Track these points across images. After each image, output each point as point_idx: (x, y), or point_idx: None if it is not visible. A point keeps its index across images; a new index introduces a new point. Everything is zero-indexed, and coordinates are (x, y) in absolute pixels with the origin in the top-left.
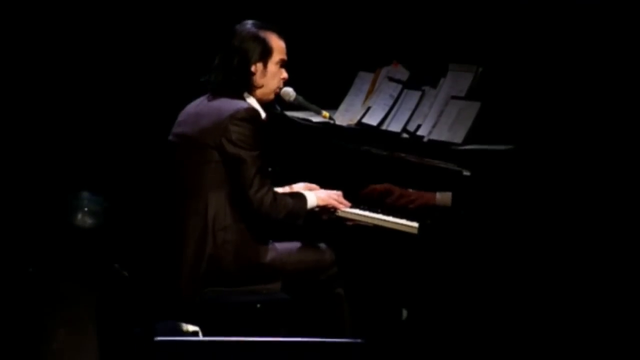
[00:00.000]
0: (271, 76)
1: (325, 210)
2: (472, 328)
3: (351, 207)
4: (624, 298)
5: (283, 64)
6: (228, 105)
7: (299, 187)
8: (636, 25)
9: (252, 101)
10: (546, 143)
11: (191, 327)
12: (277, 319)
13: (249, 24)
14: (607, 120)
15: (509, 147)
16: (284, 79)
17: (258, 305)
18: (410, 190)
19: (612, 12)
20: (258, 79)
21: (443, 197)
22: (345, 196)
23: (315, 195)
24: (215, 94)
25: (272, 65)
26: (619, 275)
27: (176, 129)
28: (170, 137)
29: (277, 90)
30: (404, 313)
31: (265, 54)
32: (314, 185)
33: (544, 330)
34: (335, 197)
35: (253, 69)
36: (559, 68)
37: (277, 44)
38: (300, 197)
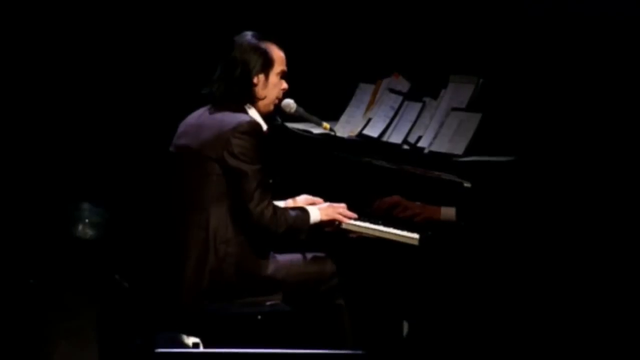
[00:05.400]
0: (272, 87)
1: (329, 223)
2: (473, 339)
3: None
4: (624, 310)
5: (283, 75)
6: (230, 118)
7: (301, 199)
8: (637, 37)
9: (253, 112)
10: (547, 154)
11: (192, 339)
12: (278, 331)
13: (248, 35)
14: (608, 131)
15: (509, 159)
16: (284, 89)
17: (259, 317)
18: (417, 203)
19: (613, 24)
20: (260, 90)
21: (447, 212)
22: (348, 208)
23: (318, 211)
24: (217, 105)
25: (273, 77)
26: (619, 287)
27: (177, 141)
28: (171, 149)
29: (278, 101)
30: (405, 325)
31: (267, 65)
32: (317, 199)
33: (547, 341)
34: (340, 210)
35: (255, 80)
36: (560, 79)
37: (278, 55)
38: (302, 212)
